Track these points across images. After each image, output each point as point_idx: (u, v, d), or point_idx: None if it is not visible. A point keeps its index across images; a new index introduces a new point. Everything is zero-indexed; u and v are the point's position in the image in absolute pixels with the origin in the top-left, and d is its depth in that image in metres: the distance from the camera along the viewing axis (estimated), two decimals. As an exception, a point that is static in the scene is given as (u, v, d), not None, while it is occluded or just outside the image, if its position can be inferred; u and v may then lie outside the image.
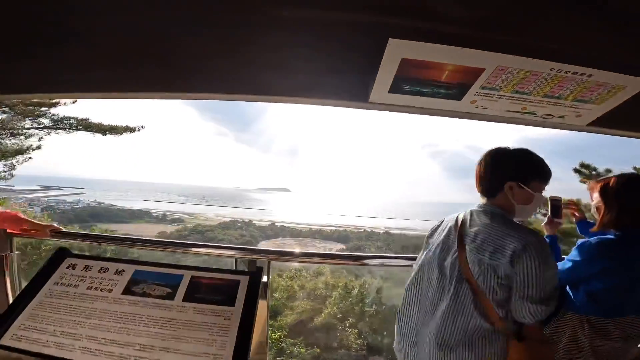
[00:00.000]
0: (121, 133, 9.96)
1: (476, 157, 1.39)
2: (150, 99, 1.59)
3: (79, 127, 9.59)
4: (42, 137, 9.82)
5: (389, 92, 1.44)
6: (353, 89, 1.48)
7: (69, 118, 9.61)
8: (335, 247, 74.66)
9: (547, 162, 1.27)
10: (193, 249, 1.95)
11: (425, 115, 1.58)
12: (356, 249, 70.94)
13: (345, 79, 1.43)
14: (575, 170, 12.30)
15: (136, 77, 1.47)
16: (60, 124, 9.52)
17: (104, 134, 9.82)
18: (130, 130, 10.00)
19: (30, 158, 9.99)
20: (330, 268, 10.77)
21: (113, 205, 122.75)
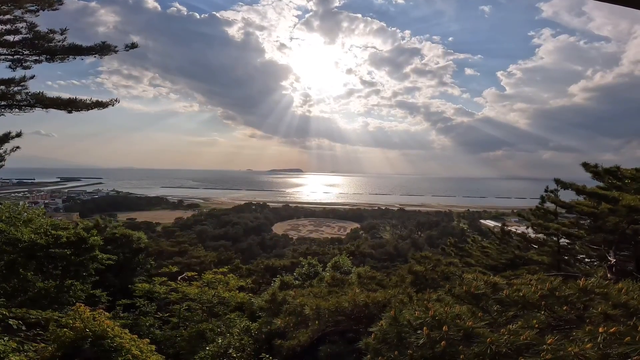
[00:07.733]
0: (87, 108, 8.82)
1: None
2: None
3: (34, 103, 8.30)
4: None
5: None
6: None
7: (19, 92, 8.28)
8: (350, 227, 75.09)
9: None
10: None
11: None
12: (371, 227, 71.25)
13: None
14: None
15: None
16: (12, 100, 8.21)
17: (69, 111, 8.79)
18: (101, 105, 9.09)
19: (18, 147, 9.09)
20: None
21: (131, 193, 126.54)
